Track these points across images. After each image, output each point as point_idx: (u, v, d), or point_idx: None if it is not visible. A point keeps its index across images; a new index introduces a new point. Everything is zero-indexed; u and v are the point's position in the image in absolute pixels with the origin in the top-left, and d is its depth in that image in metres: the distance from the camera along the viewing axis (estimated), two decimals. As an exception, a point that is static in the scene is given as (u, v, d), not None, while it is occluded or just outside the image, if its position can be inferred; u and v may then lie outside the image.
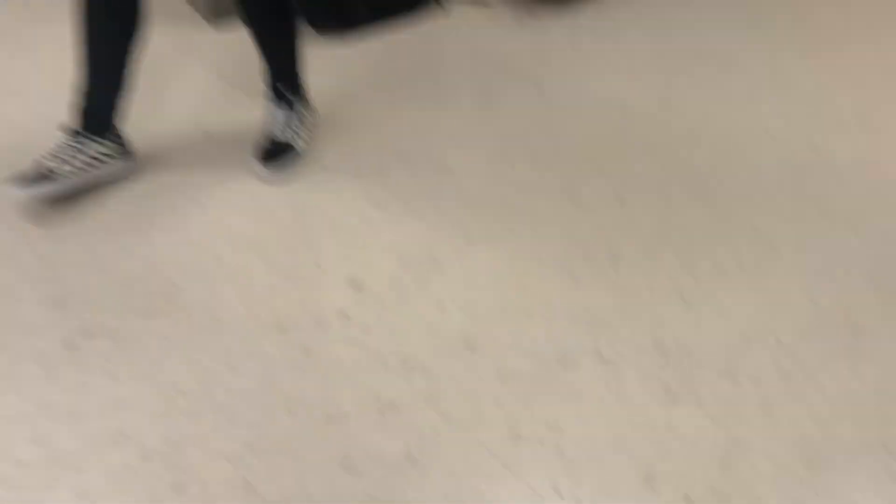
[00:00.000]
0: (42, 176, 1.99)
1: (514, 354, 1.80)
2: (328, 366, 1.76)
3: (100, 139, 2.07)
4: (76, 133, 2.06)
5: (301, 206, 2.19)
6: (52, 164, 2.00)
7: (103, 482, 1.52)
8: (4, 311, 1.85)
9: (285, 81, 2.27)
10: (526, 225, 2.14)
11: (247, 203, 2.17)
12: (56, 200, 2.08)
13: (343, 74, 2.66)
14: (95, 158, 2.06)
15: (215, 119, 2.45)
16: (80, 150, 2.04)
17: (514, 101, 2.61)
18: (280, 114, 2.27)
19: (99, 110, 2.06)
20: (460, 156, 2.36)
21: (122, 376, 1.72)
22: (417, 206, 2.18)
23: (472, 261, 2.03)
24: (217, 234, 2.07)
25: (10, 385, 1.69)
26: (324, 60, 2.49)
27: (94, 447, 1.58)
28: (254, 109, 2.37)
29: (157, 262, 1.98)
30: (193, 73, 2.65)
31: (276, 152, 2.23)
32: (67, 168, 2.01)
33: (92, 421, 1.63)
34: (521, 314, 1.89)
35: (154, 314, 1.85)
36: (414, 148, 2.39)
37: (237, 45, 2.59)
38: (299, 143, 2.27)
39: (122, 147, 2.13)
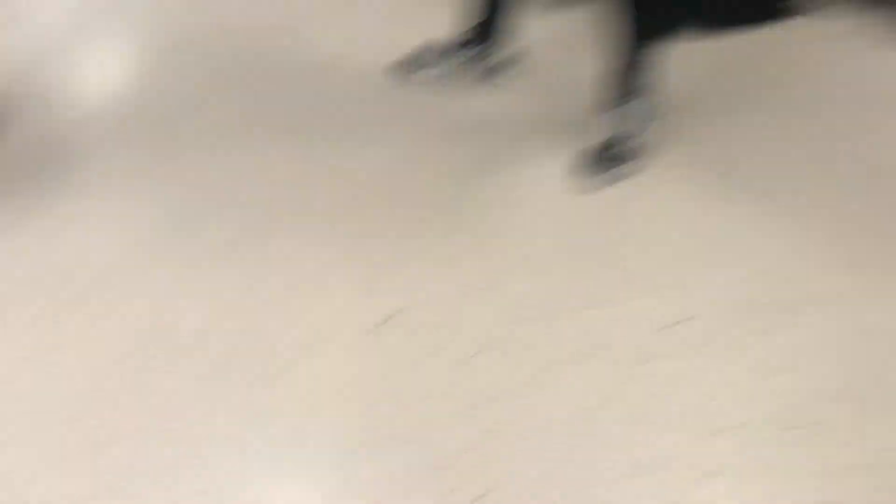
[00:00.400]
0: (415, 64, 2.34)
1: (855, 453, 1.50)
2: (630, 408, 1.60)
3: (484, 46, 2.31)
4: (467, 40, 2.32)
5: (625, 215, 2.02)
6: (426, 60, 2.34)
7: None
8: (317, 291, 1.82)
9: (635, 78, 2.10)
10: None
11: (568, 203, 2.03)
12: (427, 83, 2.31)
13: (685, 76, 2.39)
14: (475, 58, 2.33)
15: (540, 103, 2.31)
16: (464, 52, 2.31)
17: (878, 135, 2.22)
18: (622, 112, 2.11)
19: (486, 24, 2.29)
20: (813, 188, 2.05)
21: (432, 368, 1.65)
22: (757, 240, 1.92)
23: (823, 320, 1.74)
24: (531, 233, 1.95)
25: (323, 359, 1.68)
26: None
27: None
28: (584, 99, 2.20)
29: (484, 244, 1.91)
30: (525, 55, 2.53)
31: (609, 152, 2.10)
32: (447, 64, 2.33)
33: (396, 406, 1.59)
34: (876, 408, 1.57)
35: (466, 301, 1.77)
36: (757, 169, 2.11)
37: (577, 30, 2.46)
38: (634, 146, 2.11)
39: (504, 57, 2.34)
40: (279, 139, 2.18)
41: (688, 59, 2.39)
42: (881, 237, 1.92)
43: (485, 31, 2.30)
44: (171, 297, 1.78)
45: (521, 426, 1.57)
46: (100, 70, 2.44)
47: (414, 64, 2.35)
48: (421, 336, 1.71)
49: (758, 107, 2.30)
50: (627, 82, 2.09)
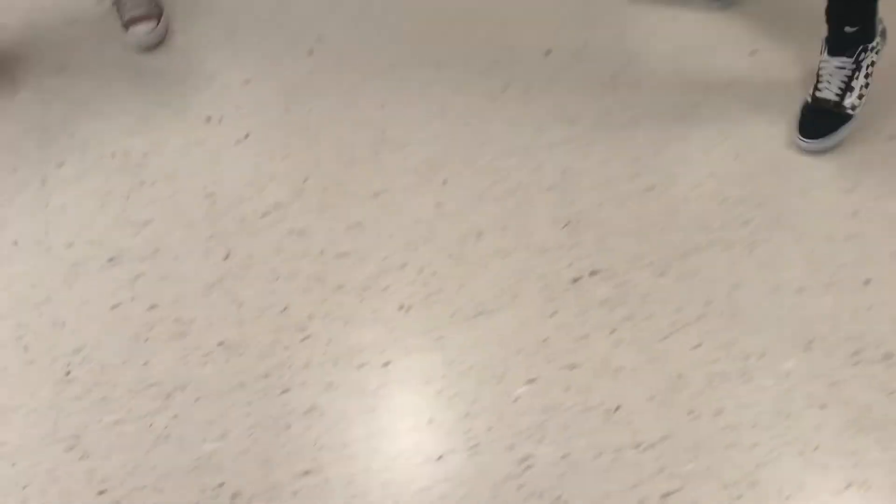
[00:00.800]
0: None
1: None
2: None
3: None
4: None
5: (857, 197, 1.68)
6: None
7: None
8: (519, 220, 1.69)
9: (860, 19, 1.69)
10: None
11: (781, 163, 1.73)
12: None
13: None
14: None
15: (763, 37, 1.95)
16: None
17: None
18: (841, 64, 1.72)
19: None
20: None
21: (621, 342, 1.50)
22: None
23: None
24: (738, 196, 1.70)
25: (514, 309, 1.56)
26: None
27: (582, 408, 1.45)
28: (802, 47, 1.90)
29: (676, 210, 1.69)
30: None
31: (825, 117, 1.73)
32: None
33: (582, 377, 1.47)
34: None
35: (668, 272, 1.59)
36: None
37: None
38: (858, 106, 1.72)
39: None
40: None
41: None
42: None
43: None
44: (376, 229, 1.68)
45: (725, 421, 1.41)
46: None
47: None
48: (618, 302, 1.55)
49: None
50: (855, 20, 1.68)
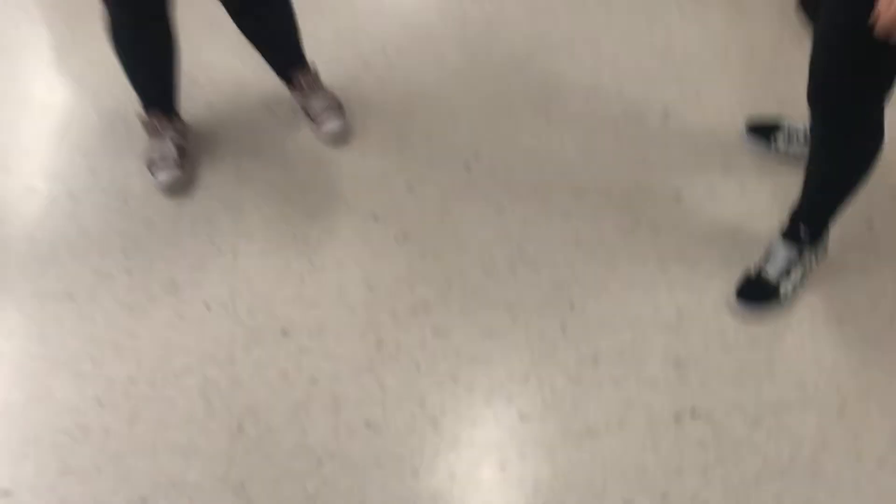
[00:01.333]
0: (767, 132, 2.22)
1: None
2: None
3: None
4: None
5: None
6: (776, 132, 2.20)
7: None
8: (633, 352, 1.90)
9: (815, 223, 1.92)
10: None
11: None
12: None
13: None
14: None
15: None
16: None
17: None
18: (785, 253, 1.95)
19: None
20: None
21: (710, 481, 1.70)
22: None
23: None
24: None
25: (620, 435, 1.77)
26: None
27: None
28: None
29: (776, 366, 1.87)
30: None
31: (757, 291, 1.96)
32: None
33: None
34: None
35: (760, 423, 1.77)
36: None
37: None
38: (788, 292, 1.95)
39: None
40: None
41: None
42: None
43: None
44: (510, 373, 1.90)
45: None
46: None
47: (766, 131, 2.25)
48: (712, 444, 1.75)
49: None
50: (810, 223, 1.91)
